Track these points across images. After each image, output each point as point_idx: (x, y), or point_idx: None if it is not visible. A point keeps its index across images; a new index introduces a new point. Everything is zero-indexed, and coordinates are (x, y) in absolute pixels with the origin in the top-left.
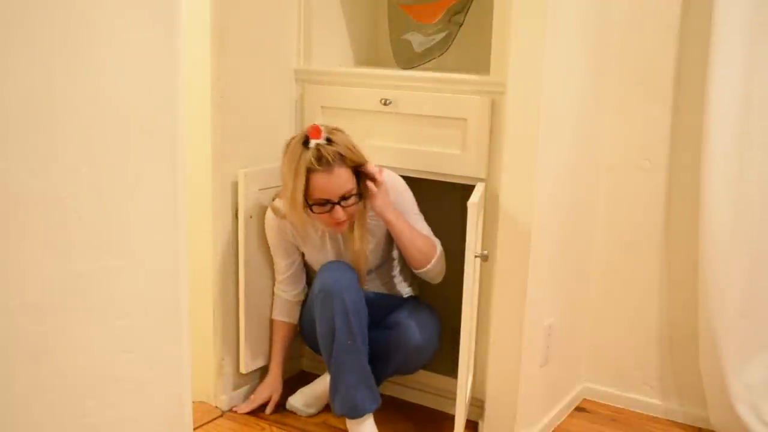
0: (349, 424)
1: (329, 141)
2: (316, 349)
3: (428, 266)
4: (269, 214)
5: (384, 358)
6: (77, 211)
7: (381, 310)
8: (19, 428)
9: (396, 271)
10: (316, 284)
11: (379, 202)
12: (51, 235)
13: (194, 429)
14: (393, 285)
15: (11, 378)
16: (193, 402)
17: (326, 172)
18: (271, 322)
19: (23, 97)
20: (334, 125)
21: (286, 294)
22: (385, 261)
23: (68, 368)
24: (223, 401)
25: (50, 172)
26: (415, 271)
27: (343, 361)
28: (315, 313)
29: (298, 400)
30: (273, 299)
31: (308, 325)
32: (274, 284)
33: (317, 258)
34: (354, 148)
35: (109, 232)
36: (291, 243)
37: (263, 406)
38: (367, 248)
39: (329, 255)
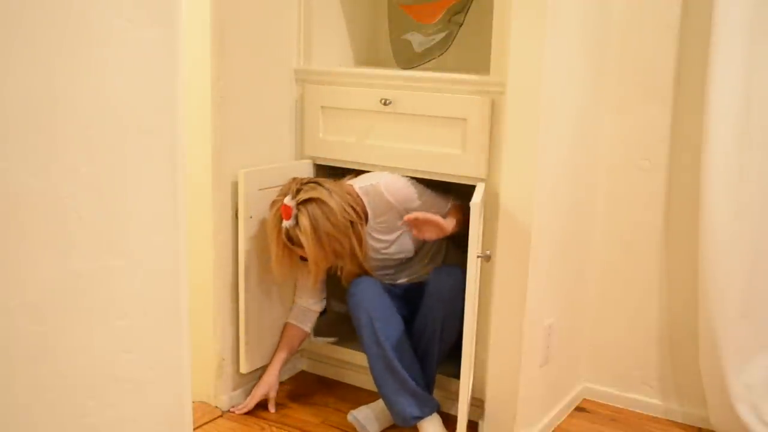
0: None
1: (297, 221)
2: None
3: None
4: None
5: (425, 338)
6: (77, 211)
7: (418, 298)
8: (19, 428)
9: (426, 260)
10: (348, 302)
11: (426, 236)
12: (51, 235)
13: (194, 429)
14: (426, 272)
15: (11, 378)
16: (193, 402)
17: (300, 246)
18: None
19: (23, 97)
20: (317, 189)
21: (303, 301)
22: (416, 254)
23: (68, 368)
24: (223, 401)
25: (50, 172)
26: None
27: (378, 373)
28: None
29: (359, 414)
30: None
31: None
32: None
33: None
34: (324, 224)
35: (109, 232)
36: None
37: (264, 407)
38: (381, 250)
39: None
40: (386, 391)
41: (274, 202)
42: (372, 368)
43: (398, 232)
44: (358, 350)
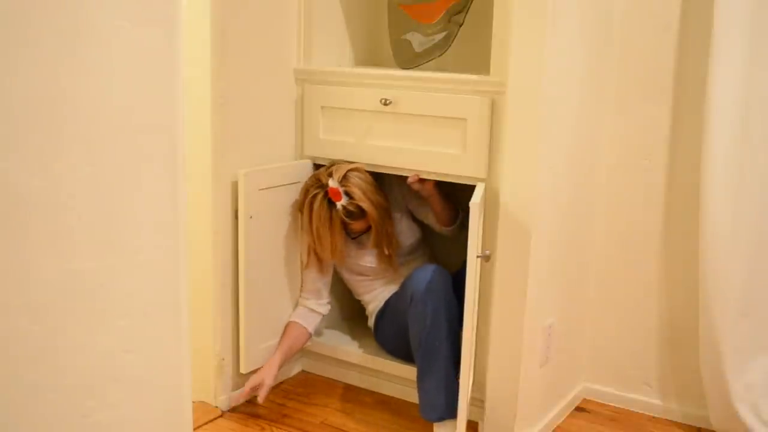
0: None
1: (349, 196)
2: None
3: (456, 223)
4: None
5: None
6: (77, 211)
7: None
8: (19, 428)
9: (426, 257)
10: (408, 289)
11: (425, 194)
12: (51, 235)
13: (194, 429)
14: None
15: (11, 378)
16: (193, 402)
17: (359, 218)
18: (287, 325)
19: (23, 97)
20: (343, 165)
21: (310, 302)
22: (418, 246)
23: (68, 368)
24: (223, 401)
25: (50, 172)
26: (446, 229)
27: (427, 363)
28: (409, 316)
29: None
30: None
31: (392, 335)
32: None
33: (353, 265)
34: (368, 186)
35: (109, 232)
36: (330, 263)
37: (264, 407)
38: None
39: (370, 252)
40: (430, 381)
41: (310, 200)
42: (423, 356)
43: (398, 214)
44: (359, 350)
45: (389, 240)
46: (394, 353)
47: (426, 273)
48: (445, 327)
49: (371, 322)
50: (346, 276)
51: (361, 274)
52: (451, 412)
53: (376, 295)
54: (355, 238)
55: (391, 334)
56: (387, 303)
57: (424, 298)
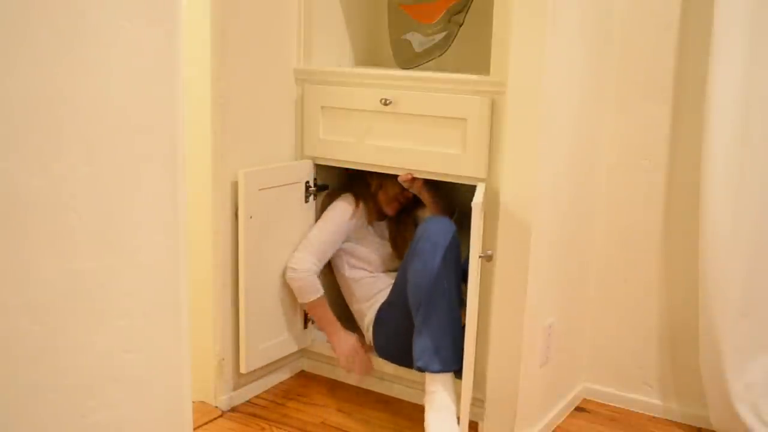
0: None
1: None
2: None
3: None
4: (349, 200)
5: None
6: (77, 211)
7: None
8: (19, 428)
9: None
10: (418, 233)
11: (415, 191)
12: (51, 234)
13: (194, 429)
14: None
15: (11, 378)
16: (193, 402)
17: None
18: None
19: (23, 96)
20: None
21: (316, 266)
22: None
23: (68, 368)
24: (223, 401)
25: (50, 172)
26: None
27: (431, 307)
28: (415, 258)
29: None
30: (297, 285)
31: (387, 335)
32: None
33: (370, 246)
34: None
35: (109, 232)
36: (346, 233)
37: (264, 407)
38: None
39: (382, 244)
40: (432, 325)
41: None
42: (430, 296)
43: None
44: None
45: (405, 240)
46: (396, 359)
47: (437, 220)
48: (453, 272)
49: (369, 336)
50: (347, 273)
51: (364, 262)
52: (452, 362)
53: (372, 304)
54: (384, 218)
55: (391, 335)
56: (380, 309)
57: (434, 235)
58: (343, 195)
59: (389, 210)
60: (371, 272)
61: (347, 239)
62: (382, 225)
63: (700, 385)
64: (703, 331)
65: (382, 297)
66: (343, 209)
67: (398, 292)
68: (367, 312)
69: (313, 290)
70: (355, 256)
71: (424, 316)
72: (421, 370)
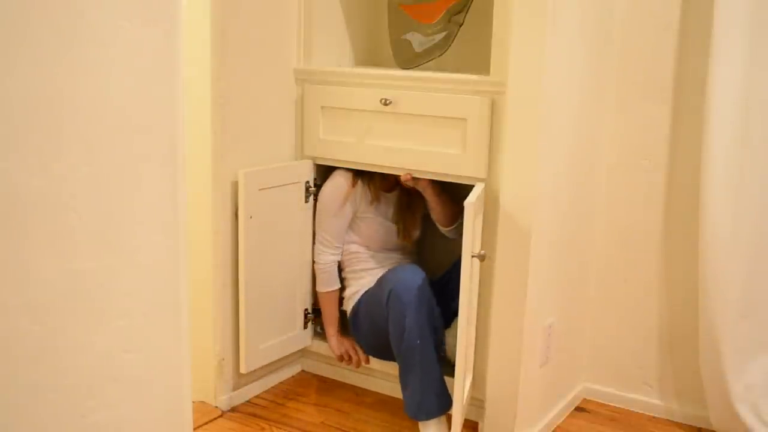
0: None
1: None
2: (377, 354)
3: (456, 224)
4: (342, 179)
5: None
6: (77, 211)
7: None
8: (19, 428)
9: (414, 258)
10: (386, 286)
11: (420, 189)
12: (51, 234)
13: (194, 429)
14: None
15: (11, 378)
16: (193, 402)
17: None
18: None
19: (23, 96)
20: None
21: (334, 255)
22: (413, 249)
23: (68, 368)
24: (223, 401)
25: (50, 172)
26: (445, 229)
27: (409, 360)
28: (387, 315)
29: None
30: (320, 276)
31: (368, 331)
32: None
33: (371, 227)
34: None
35: (109, 232)
36: (350, 210)
37: (263, 407)
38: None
39: (383, 224)
40: (412, 380)
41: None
42: (405, 354)
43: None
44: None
45: (414, 221)
46: (370, 351)
47: (403, 271)
48: (426, 325)
49: (349, 310)
50: (355, 237)
51: (363, 238)
52: (436, 411)
53: (359, 278)
54: (390, 191)
55: (366, 330)
56: (360, 301)
57: (401, 295)
58: (337, 171)
59: (385, 187)
60: (367, 248)
61: (354, 214)
62: (388, 202)
63: (700, 386)
64: (703, 332)
65: (370, 276)
66: (333, 189)
67: (379, 291)
68: (352, 283)
69: (332, 281)
70: (354, 231)
71: (403, 371)
72: (411, 418)
